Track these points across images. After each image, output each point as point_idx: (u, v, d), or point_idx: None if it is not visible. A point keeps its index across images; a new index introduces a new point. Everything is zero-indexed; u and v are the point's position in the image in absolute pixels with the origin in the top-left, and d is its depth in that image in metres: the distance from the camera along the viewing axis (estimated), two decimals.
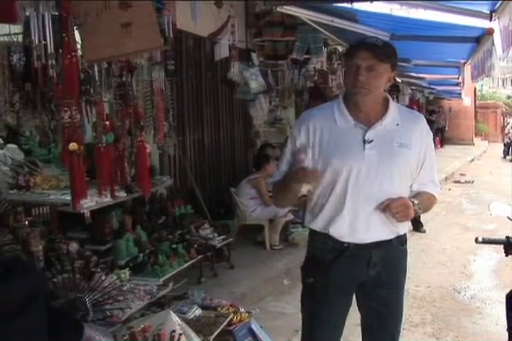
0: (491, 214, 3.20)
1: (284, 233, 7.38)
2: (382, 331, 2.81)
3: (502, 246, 2.91)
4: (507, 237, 2.91)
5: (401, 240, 2.73)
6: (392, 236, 2.66)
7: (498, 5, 4.61)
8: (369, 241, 2.61)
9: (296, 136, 2.68)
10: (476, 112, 27.28)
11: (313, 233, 2.76)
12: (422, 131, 2.69)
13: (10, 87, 3.81)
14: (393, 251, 2.70)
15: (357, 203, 2.57)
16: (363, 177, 2.56)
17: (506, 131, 23.34)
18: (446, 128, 24.41)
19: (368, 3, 5.48)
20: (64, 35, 3.38)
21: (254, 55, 8.12)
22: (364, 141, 2.56)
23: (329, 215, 2.64)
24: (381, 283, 2.70)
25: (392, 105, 2.67)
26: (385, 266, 2.68)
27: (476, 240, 2.97)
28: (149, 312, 3.95)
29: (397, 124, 2.62)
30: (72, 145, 3.42)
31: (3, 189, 4.76)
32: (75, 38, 3.44)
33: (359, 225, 2.60)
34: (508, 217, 3.13)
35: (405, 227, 2.74)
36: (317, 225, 2.69)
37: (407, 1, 5.68)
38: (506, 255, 2.93)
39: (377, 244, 2.63)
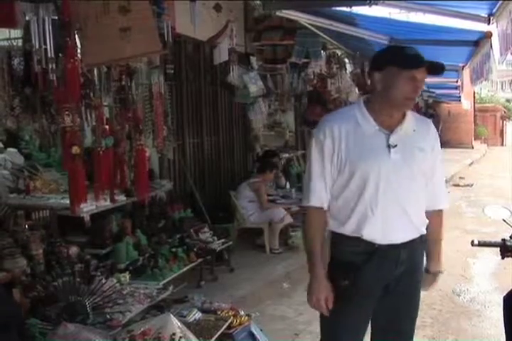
0: (490, 218, 3.20)
1: (283, 236, 7.38)
2: (400, 329, 2.85)
3: (498, 248, 2.93)
4: (503, 240, 2.92)
5: (423, 237, 2.80)
6: (417, 235, 2.74)
7: (496, 8, 4.63)
8: (400, 241, 2.68)
9: (322, 141, 2.66)
10: (475, 116, 27.27)
11: (339, 237, 2.74)
12: (433, 136, 2.81)
13: (10, 91, 3.82)
14: (416, 249, 2.77)
15: (387, 205, 2.63)
16: (390, 180, 2.62)
17: None
18: (439, 132, 24.39)
19: (367, 7, 5.48)
20: (67, 39, 3.39)
21: (253, 59, 8.14)
22: (388, 146, 2.63)
23: (360, 219, 2.66)
24: (403, 280, 2.75)
25: (409, 111, 2.74)
26: (410, 263, 2.74)
27: (472, 243, 2.98)
28: (149, 316, 3.95)
29: (414, 130, 2.71)
30: (75, 149, 3.43)
31: (3, 193, 4.78)
32: (76, 42, 3.45)
33: (390, 227, 2.65)
34: (504, 220, 3.13)
35: (425, 226, 2.81)
36: (347, 229, 2.69)
37: (405, 5, 5.69)
38: (502, 257, 2.94)
39: (405, 244, 2.70)
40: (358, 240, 2.66)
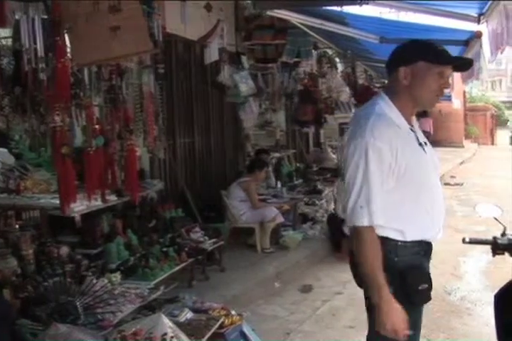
0: (480, 216, 3.20)
1: (275, 236, 7.38)
2: None
3: (489, 246, 2.94)
4: (494, 237, 2.93)
5: None
6: None
7: (486, 8, 4.65)
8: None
9: (380, 148, 2.40)
10: (465, 115, 27.35)
11: (399, 244, 2.53)
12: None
13: None
14: None
15: (436, 205, 2.59)
16: (432, 179, 2.60)
17: None
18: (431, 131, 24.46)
19: (358, 6, 5.49)
20: (58, 38, 3.38)
21: (244, 58, 8.13)
22: (420, 144, 2.57)
23: (421, 223, 2.55)
24: None
25: None
26: None
27: (464, 240, 2.98)
28: (140, 316, 3.94)
29: (418, 126, 2.69)
30: (65, 149, 3.42)
31: None
32: (66, 41, 3.45)
33: (438, 225, 2.62)
34: (495, 218, 3.15)
35: None
36: (409, 235, 2.53)
37: (396, 5, 5.71)
38: (493, 255, 2.95)
39: None
40: (417, 242, 2.56)
